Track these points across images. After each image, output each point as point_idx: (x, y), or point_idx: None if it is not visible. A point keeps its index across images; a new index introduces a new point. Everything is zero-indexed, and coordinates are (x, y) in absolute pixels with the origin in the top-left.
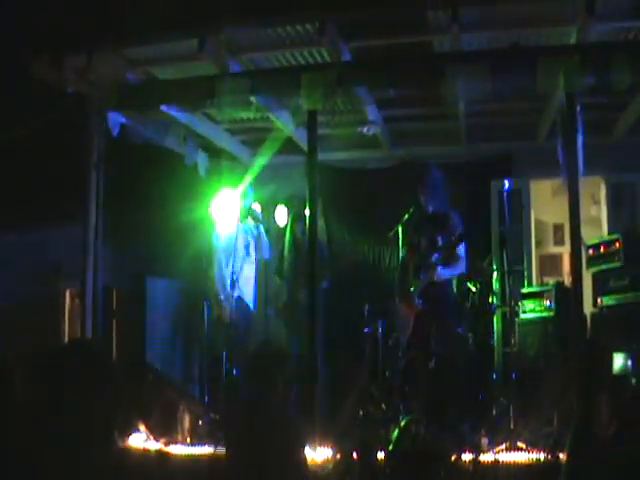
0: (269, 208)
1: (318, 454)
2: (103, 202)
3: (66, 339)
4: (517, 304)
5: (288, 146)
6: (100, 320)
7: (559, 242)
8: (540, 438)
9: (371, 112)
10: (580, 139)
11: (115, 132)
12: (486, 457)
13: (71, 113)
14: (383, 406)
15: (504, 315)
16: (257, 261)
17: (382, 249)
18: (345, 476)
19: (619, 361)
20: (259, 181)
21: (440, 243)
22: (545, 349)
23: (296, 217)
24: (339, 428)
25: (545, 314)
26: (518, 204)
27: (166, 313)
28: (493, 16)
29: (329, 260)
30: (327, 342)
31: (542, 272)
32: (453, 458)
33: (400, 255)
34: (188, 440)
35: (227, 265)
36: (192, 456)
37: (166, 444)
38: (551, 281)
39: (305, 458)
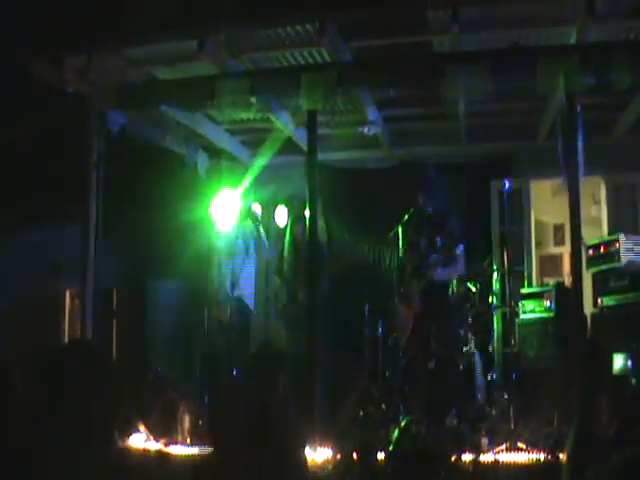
0: (269, 208)
1: (318, 454)
2: (103, 202)
3: (66, 339)
4: (517, 304)
5: (288, 146)
6: (100, 320)
7: (559, 242)
8: (540, 438)
9: (371, 112)
10: (580, 139)
11: (115, 132)
12: (486, 457)
13: (71, 113)
14: (383, 406)
15: (504, 315)
16: (257, 261)
17: (382, 249)
18: (345, 476)
19: (619, 361)
20: (259, 181)
21: (439, 244)
22: (545, 349)
23: (296, 217)
24: (339, 428)
25: (545, 314)
26: (518, 204)
27: (166, 313)
28: (493, 16)
29: (329, 260)
30: (327, 342)
31: (542, 272)
32: (453, 458)
33: (400, 255)
34: (188, 440)
35: (227, 265)
36: (192, 456)
37: (166, 444)
38: (551, 281)
39: (305, 458)
